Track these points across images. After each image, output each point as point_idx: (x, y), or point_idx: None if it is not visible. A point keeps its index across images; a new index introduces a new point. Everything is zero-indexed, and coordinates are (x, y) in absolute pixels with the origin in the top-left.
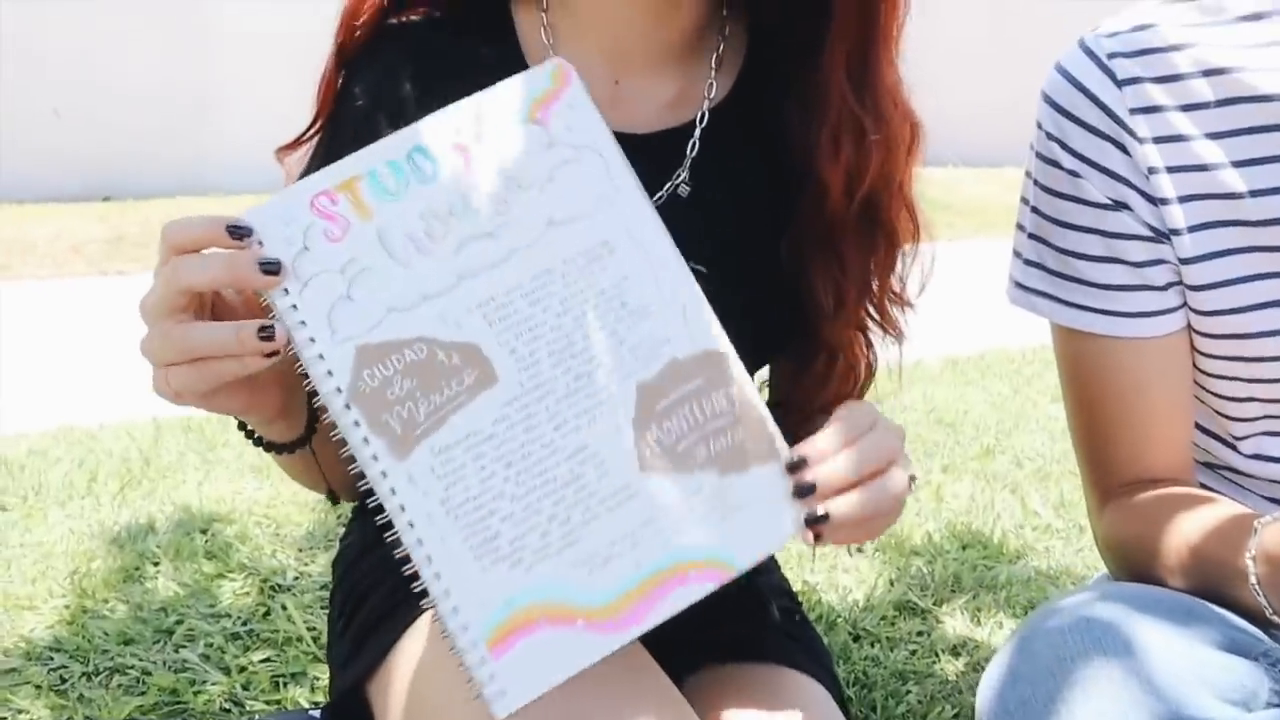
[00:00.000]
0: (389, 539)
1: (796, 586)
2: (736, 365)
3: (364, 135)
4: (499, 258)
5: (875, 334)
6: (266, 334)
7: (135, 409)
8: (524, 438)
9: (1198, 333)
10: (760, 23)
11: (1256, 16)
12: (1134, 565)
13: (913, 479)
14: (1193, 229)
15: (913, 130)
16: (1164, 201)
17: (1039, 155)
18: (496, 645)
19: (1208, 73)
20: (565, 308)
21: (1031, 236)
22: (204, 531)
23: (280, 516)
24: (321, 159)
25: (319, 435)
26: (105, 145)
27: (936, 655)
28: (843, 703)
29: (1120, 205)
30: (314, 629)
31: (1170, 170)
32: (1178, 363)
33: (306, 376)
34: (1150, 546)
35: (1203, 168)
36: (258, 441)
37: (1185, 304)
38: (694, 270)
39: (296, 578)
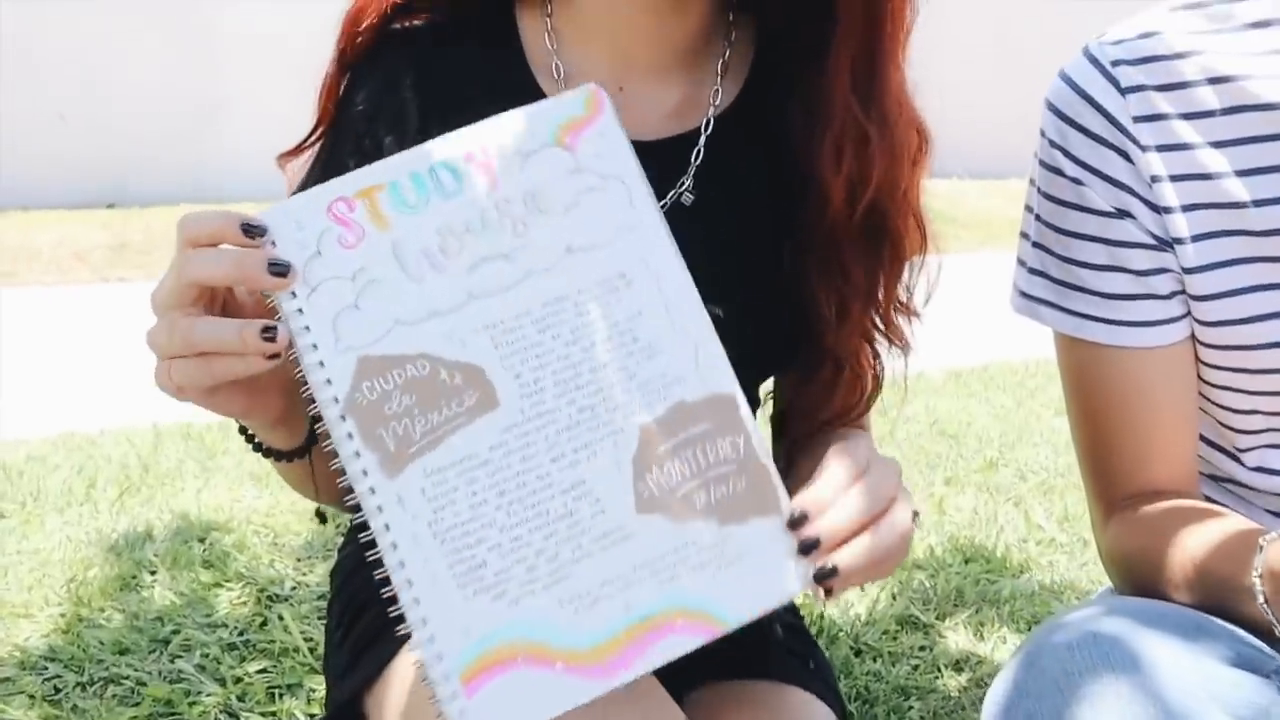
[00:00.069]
0: (370, 558)
1: (798, 600)
2: (745, 413)
3: (366, 141)
4: (513, 280)
5: (882, 344)
6: (269, 335)
7: (136, 416)
8: (520, 467)
9: (1201, 343)
10: (766, 27)
11: (1264, 24)
12: (1139, 579)
13: (916, 514)
14: (1196, 238)
15: (920, 138)
16: (1167, 210)
17: (1042, 163)
18: (471, 680)
19: (1213, 81)
20: (575, 337)
21: (1035, 244)
22: (202, 540)
23: (279, 525)
24: (322, 165)
25: (319, 446)
26: (109, 152)
27: (939, 670)
28: (845, 719)
29: (1123, 213)
30: (311, 640)
31: (1173, 179)
32: (1182, 373)
33: (305, 383)
34: (1155, 560)
35: (1206, 176)
36: (257, 447)
37: (1189, 313)
38: (711, 314)
39: (294, 588)
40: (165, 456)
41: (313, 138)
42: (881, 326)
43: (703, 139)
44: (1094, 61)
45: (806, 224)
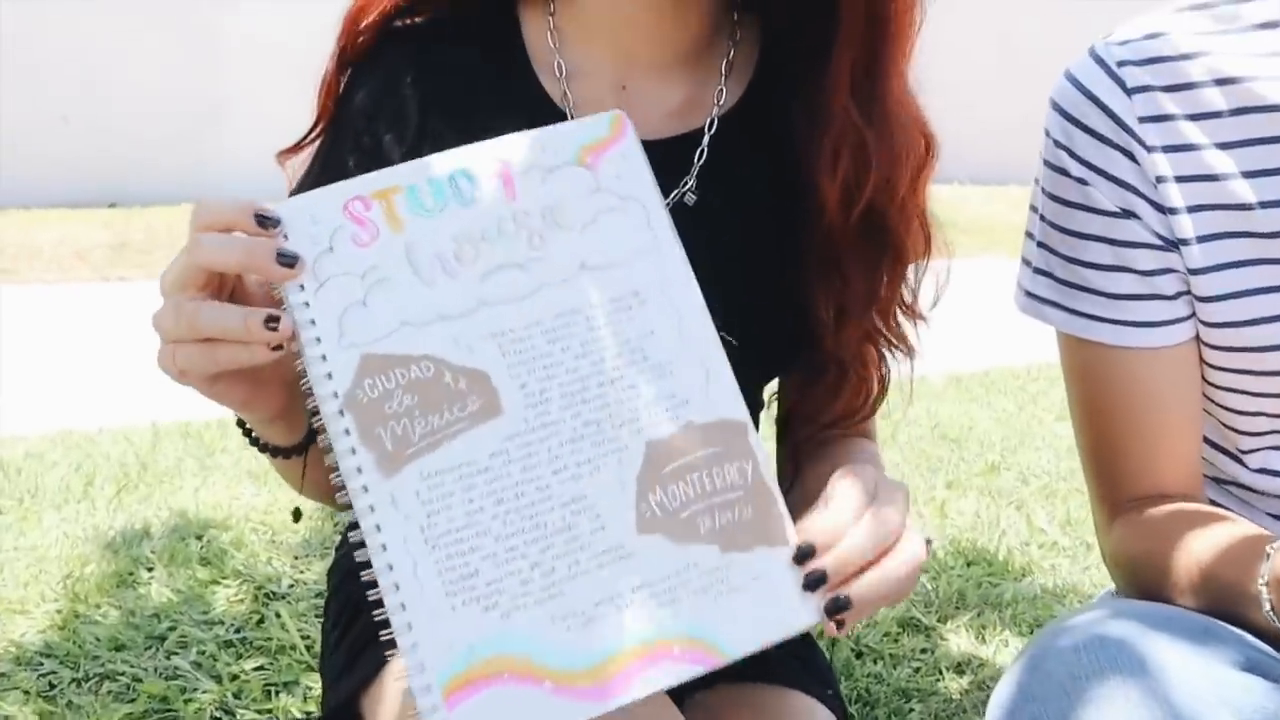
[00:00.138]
0: (359, 559)
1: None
2: (755, 440)
3: (365, 139)
4: (525, 291)
5: (886, 348)
6: (273, 325)
7: (135, 414)
8: (520, 476)
9: (1206, 344)
10: (771, 27)
11: (1272, 25)
12: (1143, 583)
13: (929, 542)
14: (1201, 239)
15: (927, 144)
16: (1173, 211)
17: (1047, 163)
18: (453, 694)
19: (1220, 82)
20: (585, 351)
21: (1040, 244)
22: (199, 537)
23: (276, 523)
24: (321, 163)
25: (316, 445)
26: (112, 152)
27: (940, 673)
28: None
29: (1128, 214)
30: (308, 638)
31: (1179, 180)
32: (1187, 374)
33: (306, 377)
34: (1160, 564)
35: (1213, 178)
36: (254, 442)
37: (1194, 314)
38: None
39: (291, 585)
40: (163, 454)
41: (312, 135)
42: (884, 330)
43: (706, 139)
44: (1100, 62)
45: (805, 226)
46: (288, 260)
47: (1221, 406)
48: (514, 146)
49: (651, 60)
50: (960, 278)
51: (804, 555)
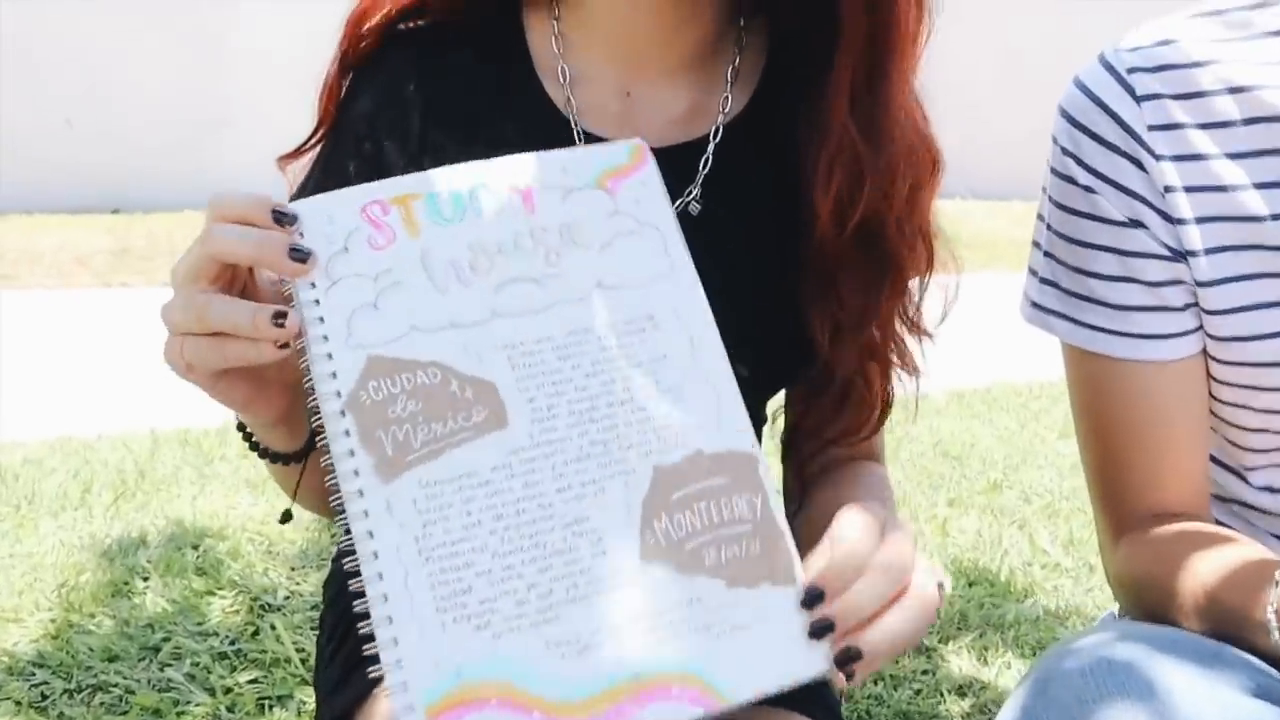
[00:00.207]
0: (348, 566)
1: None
2: (765, 475)
3: (366, 145)
4: (539, 306)
5: (892, 364)
6: (280, 321)
7: (134, 421)
8: (522, 493)
9: (1213, 359)
10: (778, 36)
11: None
12: (1147, 604)
13: (941, 586)
14: (1210, 251)
15: (932, 160)
16: (1181, 221)
17: (1054, 171)
18: (437, 716)
19: (1232, 90)
20: (595, 370)
21: (1046, 254)
22: (195, 547)
23: (273, 534)
24: (322, 168)
25: (316, 452)
26: (115, 158)
27: (942, 695)
28: None
29: (1136, 223)
30: (303, 650)
31: (1188, 190)
32: (1195, 389)
33: (310, 377)
34: (1166, 586)
35: (1222, 189)
36: (254, 446)
37: (1202, 327)
38: (735, 371)
39: (287, 597)
40: (162, 462)
41: (313, 140)
42: (886, 346)
43: (711, 147)
44: (1109, 68)
45: (804, 238)
46: (300, 256)
47: (1227, 423)
48: (536, 165)
49: (657, 67)
50: (962, 293)
51: (812, 599)
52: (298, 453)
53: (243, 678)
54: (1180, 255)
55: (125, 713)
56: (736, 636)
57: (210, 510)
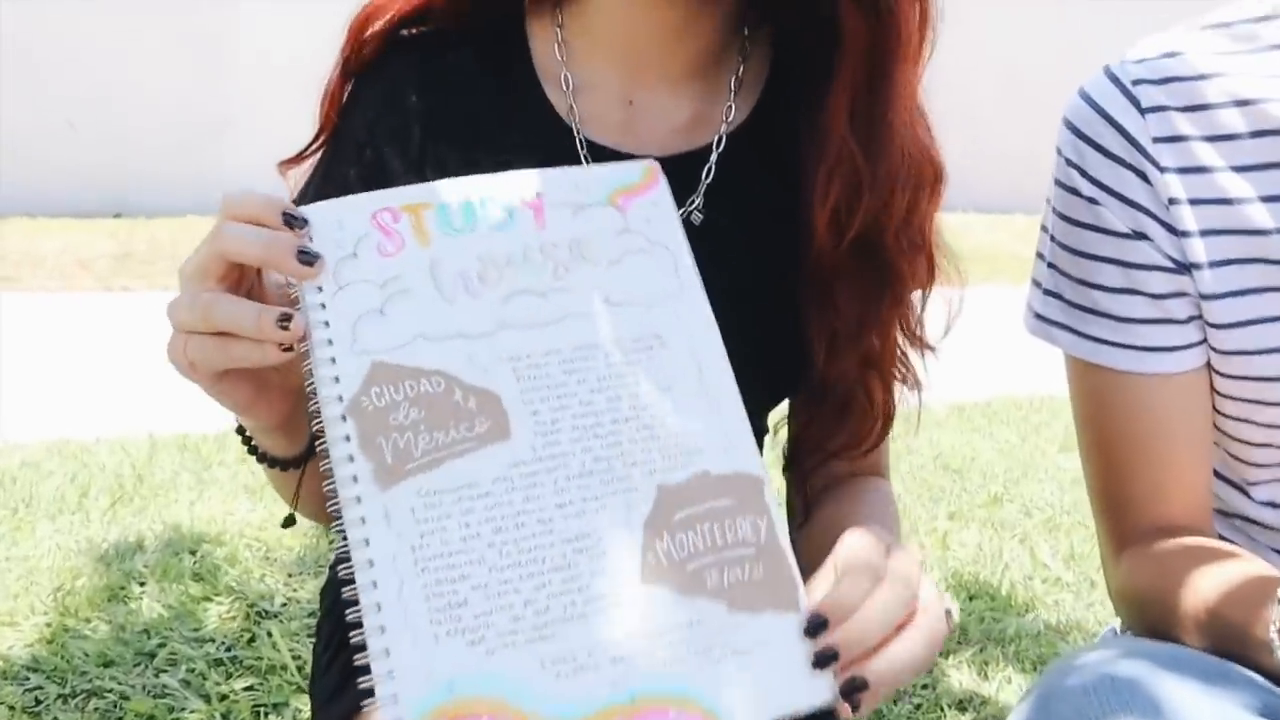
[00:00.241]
0: (342, 574)
1: None
2: (770, 498)
3: (366, 152)
4: (546, 319)
5: (894, 377)
6: (285, 323)
7: (132, 425)
8: (522, 506)
9: (1217, 372)
10: (783, 42)
11: None
12: (1149, 619)
13: (949, 613)
14: (1214, 264)
15: (934, 173)
16: (1185, 234)
17: (1058, 182)
18: None
19: (1239, 103)
20: (601, 386)
21: (1050, 266)
22: (193, 552)
23: (271, 539)
24: (322, 174)
25: (315, 459)
26: (118, 162)
27: (942, 710)
28: None
29: (1140, 235)
30: (299, 658)
31: (1193, 202)
32: (1199, 402)
33: (313, 381)
34: (1168, 601)
35: (1227, 202)
36: (253, 450)
37: (1206, 340)
38: (746, 403)
39: (284, 604)
40: (160, 467)
41: (314, 145)
42: (886, 359)
43: (714, 156)
44: (1114, 80)
45: (804, 248)
46: (308, 259)
47: (1230, 437)
48: (547, 180)
49: (660, 75)
50: (963, 306)
51: (815, 627)
52: (296, 459)
53: (238, 685)
54: (1184, 268)
55: (120, 718)
56: (737, 662)
57: (208, 515)
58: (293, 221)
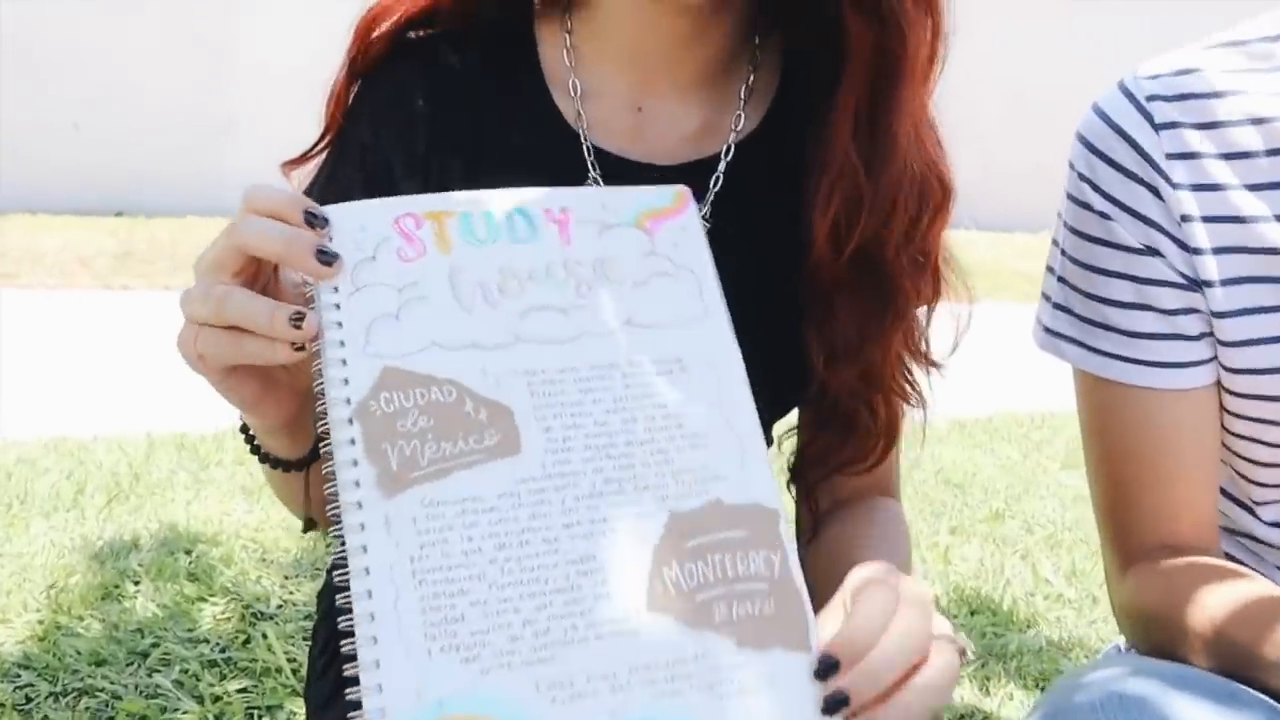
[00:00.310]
0: (338, 580)
1: None
2: (786, 532)
3: (370, 155)
4: (564, 335)
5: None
6: (297, 321)
7: (130, 423)
8: (528, 523)
9: (1226, 390)
10: (793, 52)
11: None
12: (1155, 638)
13: (963, 652)
14: (1226, 282)
15: (942, 189)
16: (1197, 251)
17: (1070, 196)
18: None
19: (1255, 121)
20: (617, 407)
21: (1060, 280)
22: (188, 552)
23: (268, 541)
24: (326, 176)
25: (319, 463)
26: (121, 162)
27: None
28: None
29: (1152, 251)
30: (294, 660)
31: (1206, 219)
32: (1208, 419)
33: (321, 382)
34: (1174, 620)
35: (1240, 220)
36: (255, 450)
37: (1216, 357)
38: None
39: (280, 606)
40: (157, 466)
41: (319, 146)
42: (888, 374)
43: (722, 165)
44: (1128, 95)
45: (804, 260)
46: (326, 258)
47: (1238, 456)
48: (575, 197)
49: (669, 83)
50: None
51: (826, 669)
52: (299, 461)
53: (232, 686)
54: (1196, 284)
55: (112, 718)
56: (743, 700)
57: (204, 515)
58: (314, 220)
